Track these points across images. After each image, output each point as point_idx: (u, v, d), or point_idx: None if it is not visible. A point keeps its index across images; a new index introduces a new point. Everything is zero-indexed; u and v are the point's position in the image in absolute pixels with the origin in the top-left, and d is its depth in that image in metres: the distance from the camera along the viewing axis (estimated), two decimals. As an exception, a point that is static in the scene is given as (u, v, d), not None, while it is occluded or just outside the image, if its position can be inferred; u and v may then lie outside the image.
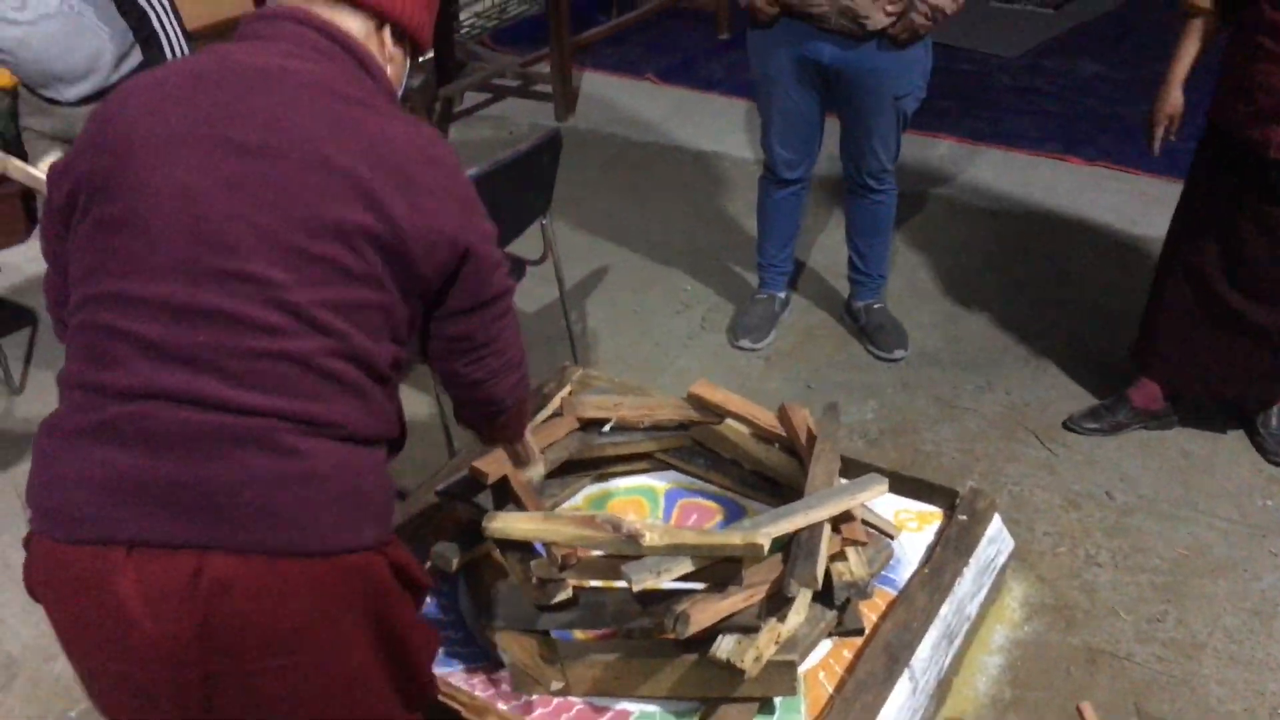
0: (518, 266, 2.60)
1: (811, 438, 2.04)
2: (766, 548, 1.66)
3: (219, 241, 1.11)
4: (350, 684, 1.22)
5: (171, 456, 1.09)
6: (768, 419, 2.13)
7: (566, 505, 2.18)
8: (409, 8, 1.30)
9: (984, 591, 2.10)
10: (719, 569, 1.72)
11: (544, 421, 2.13)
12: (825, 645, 1.88)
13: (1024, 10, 5.85)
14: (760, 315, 3.14)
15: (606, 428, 2.24)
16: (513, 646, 1.78)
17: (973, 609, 2.05)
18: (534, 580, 1.75)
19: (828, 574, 1.84)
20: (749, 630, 1.70)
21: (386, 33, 1.29)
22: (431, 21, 1.36)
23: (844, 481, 2.08)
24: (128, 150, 1.15)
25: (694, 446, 2.25)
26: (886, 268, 3.13)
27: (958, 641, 1.99)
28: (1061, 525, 2.46)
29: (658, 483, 2.26)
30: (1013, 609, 2.24)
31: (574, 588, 1.76)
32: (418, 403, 2.75)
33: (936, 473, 2.60)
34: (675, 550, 1.68)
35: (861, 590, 1.82)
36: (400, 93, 1.36)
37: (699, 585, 1.75)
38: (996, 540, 2.16)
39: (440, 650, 1.83)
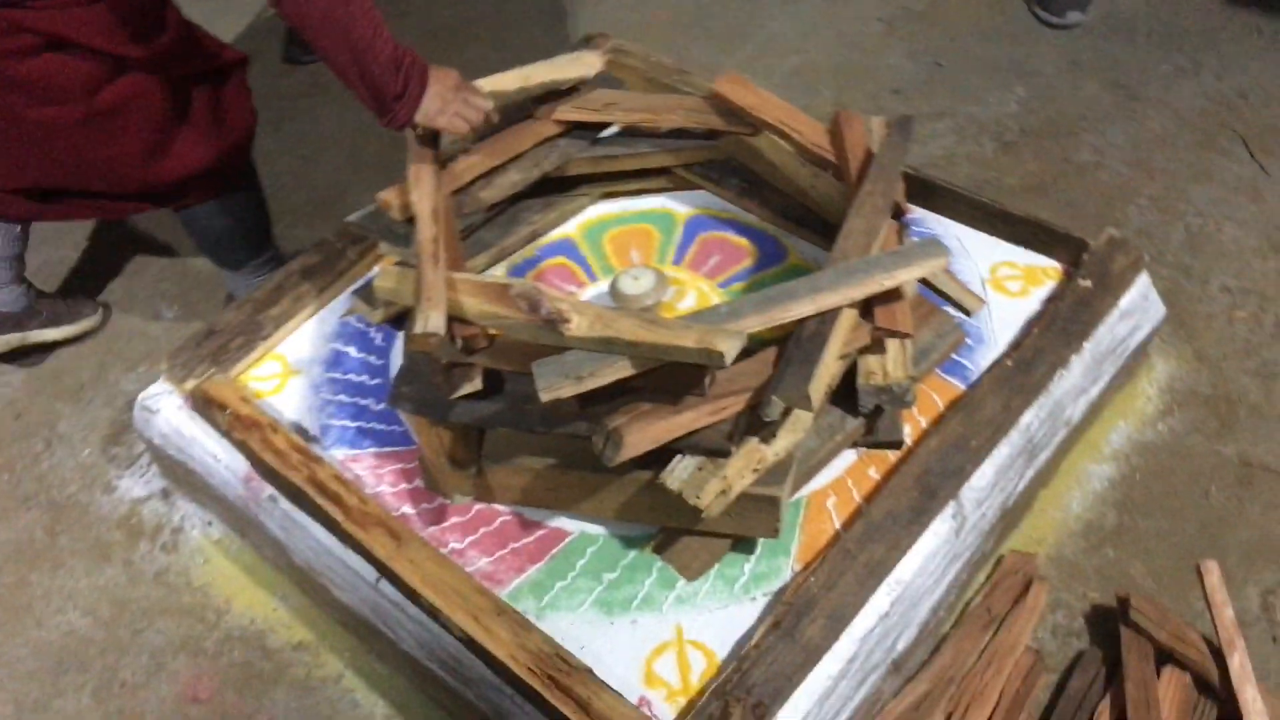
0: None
1: (866, 167, 1.42)
2: (732, 354, 1.14)
3: None
4: None
5: None
6: (815, 133, 1.51)
7: (556, 232, 1.68)
8: None
9: (1100, 385, 1.51)
10: (678, 372, 1.21)
11: (511, 128, 1.58)
12: (847, 457, 1.38)
13: None
14: None
15: (607, 132, 1.68)
16: (423, 437, 1.38)
17: (1076, 411, 1.48)
18: (440, 362, 1.31)
19: (852, 372, 1.31)
20: (715, 454, 1.22)
21: None
22: None
23: (911, 239, 1.48)
24: None
25: (728, 163, 1.67)
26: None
27: (1044, 456, 1.45)
28: (1250, 278, 1.78)
29: (679, 207, 1.71)
30: (1148, 397, 1.65)
31: (494, 374, 1.31)
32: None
33: (1088, 193, 1.93)
34: (608, 346, 1.18)
35: (898, 398, 1.29)
36: None
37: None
38: (1135, 312, 1.53)
39: (351, 425, 1.47)
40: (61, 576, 1.53)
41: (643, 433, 1.19)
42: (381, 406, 1.50)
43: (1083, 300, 1.48)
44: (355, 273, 1.63)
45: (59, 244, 2.01)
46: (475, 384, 1.29)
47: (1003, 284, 1.56)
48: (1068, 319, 1.46)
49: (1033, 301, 1.53)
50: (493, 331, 1.29)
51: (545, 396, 1.18)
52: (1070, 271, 1.55)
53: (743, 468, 1.23)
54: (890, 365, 1.30)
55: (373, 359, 1.56)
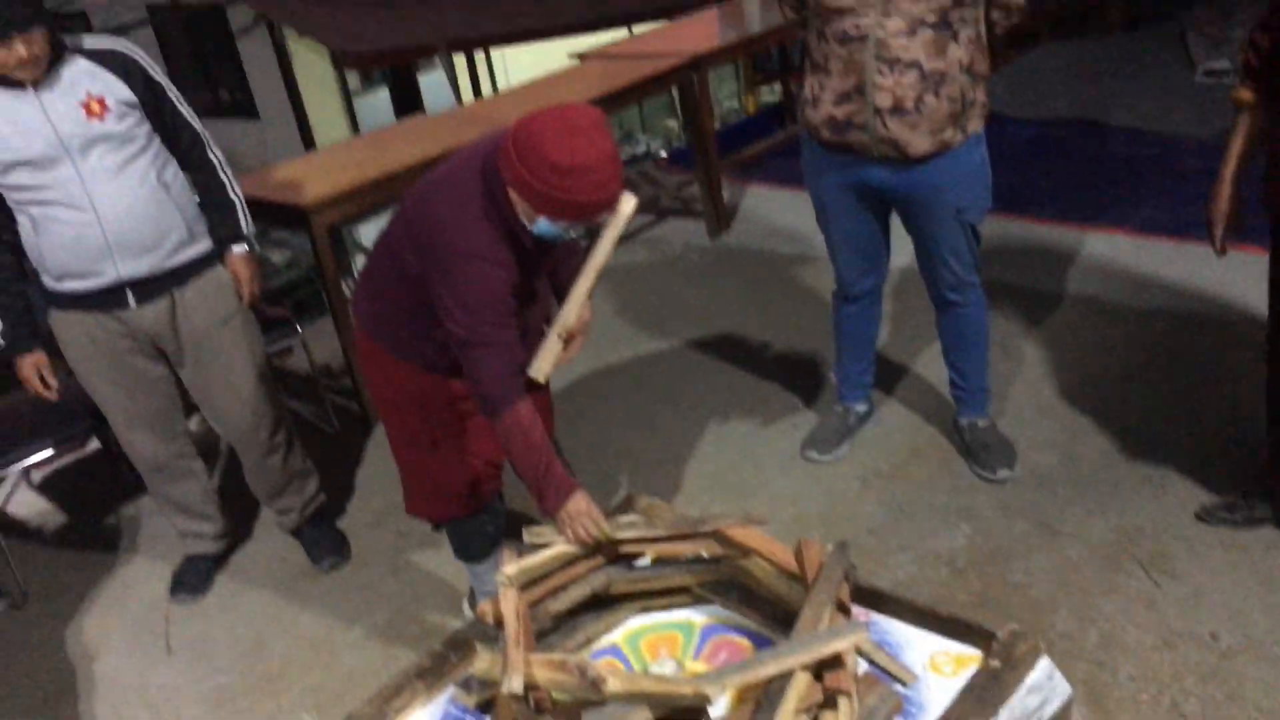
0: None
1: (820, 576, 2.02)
2: (717, 697, 1.67)
3: None
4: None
5: None
6: (786, 557, 2.13)
7: (604, 639, 2.26)
8: (516, 180, 1.93)
9: (1019, 746, 1.97)
10: (684, 715, 1.74)
11: (576, 558, 2.22)
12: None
13: (1231, 85, 5.47)
14: (832, 428, 3.12)
15: (643, 560, 2.31)
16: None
17: (1002, 771, 1.93)
18: (517, 723, 1.84)
19: (813, 729, 1.81)
20: (710, 785, 1.71)
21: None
22: (543, 203, 1.92)
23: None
24: None
25: (731, 580, 2.27)
26: (986, 379, 3.01)
27: (978, 807, 1.88)
28: (1150, 668, 2.26)
29: (697, 617, 2.29)
30: (1074, 765, 2.08)
31: (562, 732, 1.83)
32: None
33: (1022, 606, 2.47)
34: (633, 698, 1.73)
35: (849, 745, 1.78)
36: (534, 229, 2.02)
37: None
38: (1041, 689, 2.02)
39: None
40: None
41: (661, 763, 1.69)
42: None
43: (994, 676, 1.99)
44: (459, 670, 2.20)
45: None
46: (546, 739, 1.81)
47: (939, 667, 2.07)
48: (982, 691, 1.96)
49: (961, 680, 2.03)
50: (555, 696, 1.83)
51: (592, 736, 1.71)
52: (986, 657, 2.07)
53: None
54: (842, 718, 1.80)
55: (471, 737, 2.08)
